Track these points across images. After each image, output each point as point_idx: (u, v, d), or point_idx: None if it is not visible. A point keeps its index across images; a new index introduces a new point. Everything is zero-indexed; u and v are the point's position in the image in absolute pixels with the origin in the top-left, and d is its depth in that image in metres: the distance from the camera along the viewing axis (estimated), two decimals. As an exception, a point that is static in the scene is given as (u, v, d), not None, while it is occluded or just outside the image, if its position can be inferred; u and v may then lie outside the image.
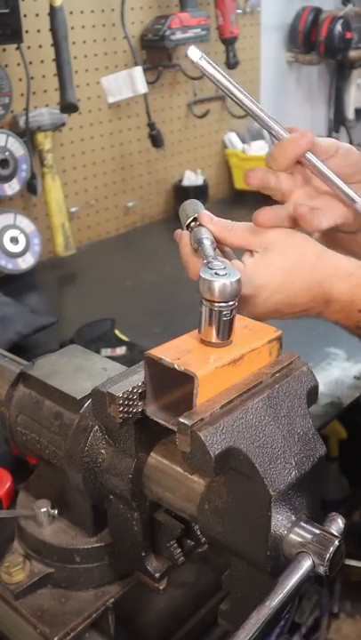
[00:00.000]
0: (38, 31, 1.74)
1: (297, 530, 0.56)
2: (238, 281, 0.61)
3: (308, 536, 0.56)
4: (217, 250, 0.81)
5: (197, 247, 0.77)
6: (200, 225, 0.80)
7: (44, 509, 0.76)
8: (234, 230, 0.81)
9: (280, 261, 0.78)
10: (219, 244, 0.81)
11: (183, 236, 0.82)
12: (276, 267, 0.78)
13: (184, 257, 0.80)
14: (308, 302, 0.81)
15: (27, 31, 1.68)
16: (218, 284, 0.60)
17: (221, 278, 0.61)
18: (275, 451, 0.57)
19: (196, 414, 0.55)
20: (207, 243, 0.76)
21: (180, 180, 2.26)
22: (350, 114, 2.94)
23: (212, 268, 0.62)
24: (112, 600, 0.74)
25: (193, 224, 0.81)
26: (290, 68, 2.76)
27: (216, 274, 0.61)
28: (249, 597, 0.60)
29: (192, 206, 0.85)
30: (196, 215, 0.82)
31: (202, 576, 0.83)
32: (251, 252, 0.80)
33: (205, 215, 0.82)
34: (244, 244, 0.80)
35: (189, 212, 0.83)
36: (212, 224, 0.81)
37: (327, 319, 0.84)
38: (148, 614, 0.82)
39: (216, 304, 0.60)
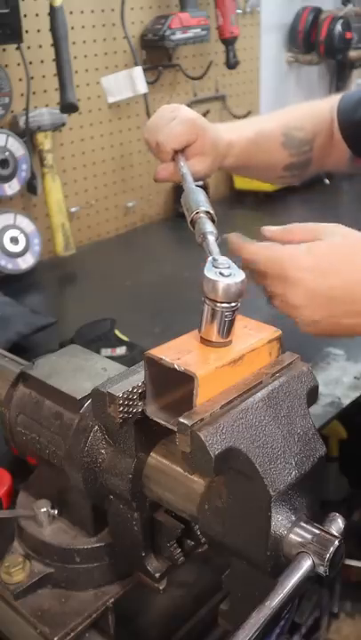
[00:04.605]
0: (38, 31, 1.74)
1: (297, 530, 0.56)
2: (243, 282, 0.61)
3: (308, 536, 0.56)
4: None
5: (201, 242, 0.76)
6: (203, 217, 0.80)
7: (44, 509, 0.76)
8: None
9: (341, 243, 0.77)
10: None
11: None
12: (335, 247, 0.77)
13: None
14: None
15: (27, 31, 1.68)
16: (222, 284, 0.60)
17: (226, 279, 0.61)
18: (275, 451, 0.57)
19: (196, 414, 0.56)
20: (211, 238, 0.75)
21: (180, 180, 2.26)
22: (350, 114, 2.93)
23: (216, 267, 0.62)
24: (112, 600, 0.74)
25: (195, 216, 0.81)
26: (290, 68, 2.76)
27: (221, 274, 0.61)
28: (249, 597, 0.60)
29: (194, 196, 0.85)
30: (199, 210, 0.81)
31: (202, 576, 0.83)
32: None
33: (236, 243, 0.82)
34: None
35: (192, 206, 0.83)
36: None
37: None
38: (148, 614, 0.82)
39: (219, 304, 0.60)
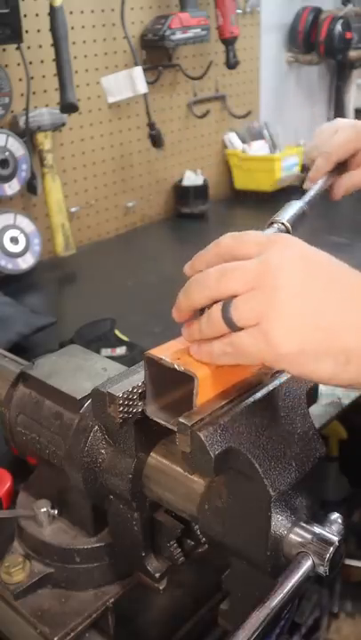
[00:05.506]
0: (38, 31, 1.74)
1: (297, 530, 0.56)
2: None
3: (308, 536, 0.56)
4: None
5: None
6: (274, 228, 0.80)
7: (44, 509, 0.76)
8: None
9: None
10: None
11: None
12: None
13: None
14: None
15: (27, 31, 1.68)
16: None
17: None
18: (275, 451, 0.57)
19: (196, 414, 0.56)
20: None
21: (180, 180, 2.26)
22: (350, 114, 2.93)
23: None
24: (112, 600, 0.74)
25: (269, 225, 0.82)
26: (290, 68, 2.76)
27: None
28: (249, 597, 0.60)
29: (287, 208, 0.85)
30: (275, 220, 0.82)
31: (202, 576, 0.83)
32: None
33: None
34: None
35: (276, 216, 0.83)
36: None
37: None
38: (148, 614, 0.82)
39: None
